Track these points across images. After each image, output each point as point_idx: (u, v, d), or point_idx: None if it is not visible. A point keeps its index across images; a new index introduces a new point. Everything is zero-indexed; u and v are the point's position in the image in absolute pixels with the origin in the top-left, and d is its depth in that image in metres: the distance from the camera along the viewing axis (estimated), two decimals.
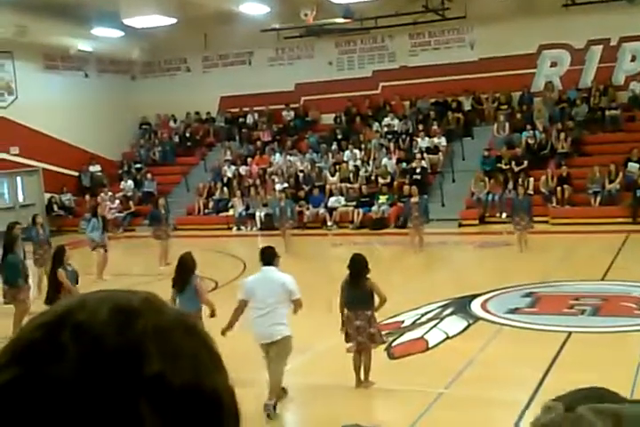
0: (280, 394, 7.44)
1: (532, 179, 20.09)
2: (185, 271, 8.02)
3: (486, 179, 20.65)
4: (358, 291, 7.63)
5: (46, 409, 0.66)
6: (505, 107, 23.13)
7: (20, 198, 23.96)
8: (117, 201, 23.51)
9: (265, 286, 7.29)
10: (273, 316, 7.23)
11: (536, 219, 17.50)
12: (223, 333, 6.99)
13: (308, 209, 21.46)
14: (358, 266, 7.68)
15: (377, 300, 7.63)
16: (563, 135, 21.14)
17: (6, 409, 0.67)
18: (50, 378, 0.67)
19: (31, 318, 0.73)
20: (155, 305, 0.75)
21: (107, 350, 0.68)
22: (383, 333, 9.33)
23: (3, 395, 0.67)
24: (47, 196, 24.41)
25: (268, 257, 7.48)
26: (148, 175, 24.70)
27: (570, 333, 9.31)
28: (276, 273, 7.40)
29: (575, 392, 1.00)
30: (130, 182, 24.78)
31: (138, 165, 25.87)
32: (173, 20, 21.00)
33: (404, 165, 21.99)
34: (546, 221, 18.87)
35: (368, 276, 7.69)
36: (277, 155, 24.21)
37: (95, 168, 25.79)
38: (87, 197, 23.50)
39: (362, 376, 7.75)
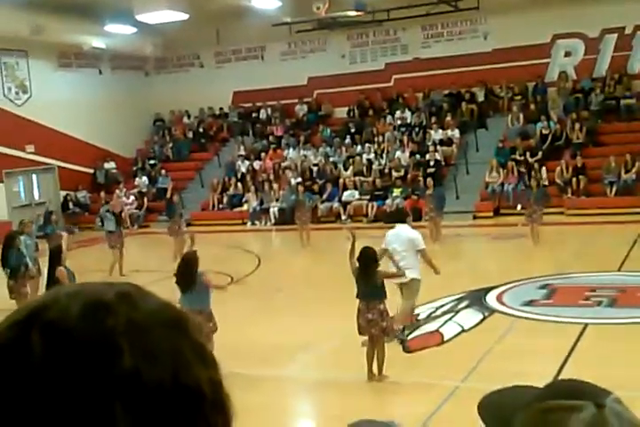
0: (406, 323, 9.32)
1: (544, 169, 19.93)
2: (190, 271, 8.01)
3: (501, 170, 20.57)
4: (369, 284, 7.69)
5: (14, 411, 0.64)
6: (519, 97, 22.99)
7: (36, 196, 24.10)
8: (132, 197, 23.61)
9: (397, 239, 9.18)
10: (403, 262, 8.73)
11: (551, 210, 17.44)
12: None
13: (322, 203, 21.47)
14: (368, 259, 7.73)
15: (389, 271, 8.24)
16: (577, 125, 21.00)
17: None
18: (18, 379, 0.65)
19: (6, 316, 0.71)
20: (131, 299, 0.71)
21: (76, 349, 0.66)
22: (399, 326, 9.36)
23: None
24: (62, 193, 24.57)
25: (400, 216, 9.88)
26: (162, 171, 24.78)
27: (586, 324, 9.26)
28: (404, 229, 9.34)
29: (556, 389, 0.96)
30: (144, 179, 24.87)
31: (152, 162, 25.95)
32: (186, 16, 21.01)
33: (418, 157, 21.93)
34: (561, 212, 18.77)
35: (379, 268, 7.78)
36: (291, 149, 24.21)
37: (110, 165, 25.90)
38: (102, 193, 23.61)
39: (375, 370, 7.76)
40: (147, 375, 0.66)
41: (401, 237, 9.17)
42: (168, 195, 17.78)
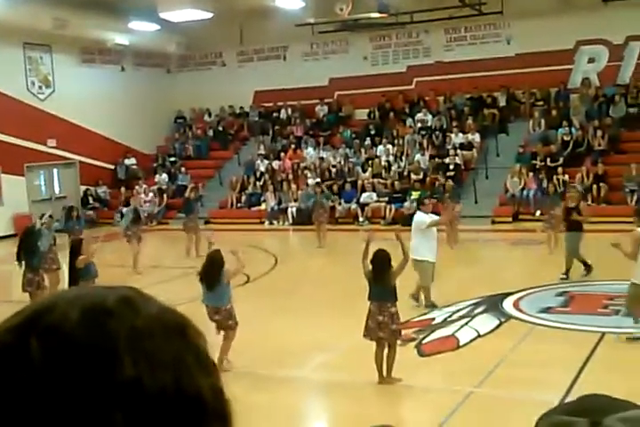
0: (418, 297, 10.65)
1: (566, 176, 19.81)
2: (214, 270, 8.08)
3: (523, 174, 20.46)
4: (382, 286, 7.69)
5: (10, 418, 0.63)
6: (541, 103, 22.87)
7: (57, 190, 24.26)
8: (151, 194, 23.71)
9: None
10: (412, 243, 10.07)
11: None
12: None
13: (340, 204, 21.46)
14: (381, 261, 7.72)
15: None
16: (599, 132, 20.86)
17: None
18: (16, 385, 0.64)
19: (4, 319, 0.70)
20: (132, 303, 0.70)
21: (75, 355, 0.64)
22: (414, 330, 9.34)
23: None
24: (83, 188, 24.72)
25: (417, 204, 11.58)
26: (182, 169, 24.88)
27: (603, 333, 9.19)
28: (417, 214, 10.93)
29: (577, 403, 0.96)
30: (164, 176, 24.98)
31: (172, 159, 26.07)
32: (209, 15, 21.10)
33: (438, 160, 21.86)
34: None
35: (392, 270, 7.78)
36: (310, 150, 24.22)
37: (130, 161, 26.04)
38: (122, 189, 23.73)
39: (384, 372, 7.72)
40: (148, 383, 0.65)
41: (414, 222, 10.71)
42: (187, 193, 17.86)
